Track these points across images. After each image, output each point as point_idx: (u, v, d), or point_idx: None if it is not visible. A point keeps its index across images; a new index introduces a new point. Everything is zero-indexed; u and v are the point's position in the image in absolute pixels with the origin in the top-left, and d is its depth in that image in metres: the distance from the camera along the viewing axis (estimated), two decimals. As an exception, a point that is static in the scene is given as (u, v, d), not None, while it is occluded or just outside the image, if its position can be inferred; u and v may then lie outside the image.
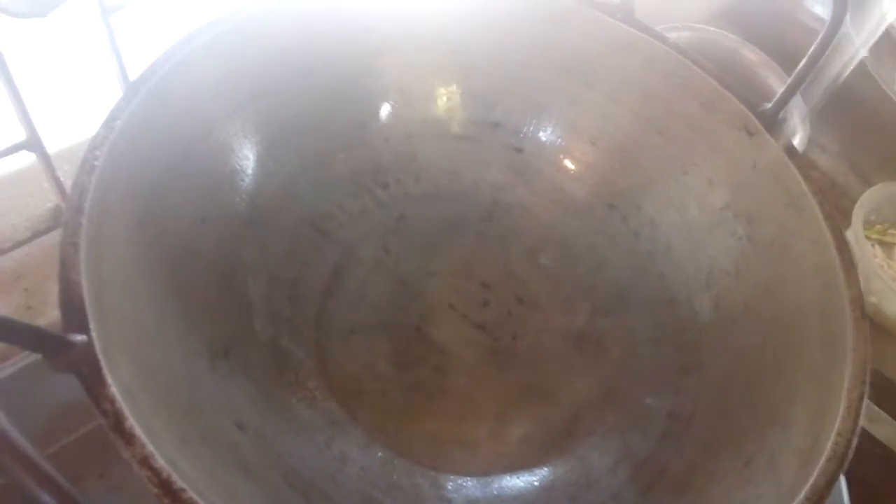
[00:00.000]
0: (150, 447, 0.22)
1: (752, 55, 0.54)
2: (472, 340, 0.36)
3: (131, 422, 0.22)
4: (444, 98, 0.39)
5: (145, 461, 0.22)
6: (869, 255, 0.49)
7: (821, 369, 0.29)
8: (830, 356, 0.29)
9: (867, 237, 0.51)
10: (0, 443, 0.16)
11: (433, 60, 0.39)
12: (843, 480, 0.36)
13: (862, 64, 0.59)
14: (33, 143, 0.37)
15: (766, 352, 0.32)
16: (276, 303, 0.35)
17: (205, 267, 0.32)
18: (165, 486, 0.21)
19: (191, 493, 0.22)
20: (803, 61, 0.33)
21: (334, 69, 0.36)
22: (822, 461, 0.25)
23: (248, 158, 0.34)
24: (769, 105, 0.34)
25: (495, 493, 0.32)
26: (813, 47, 0.33)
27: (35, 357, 0.37)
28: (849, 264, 0.30)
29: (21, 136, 0.36)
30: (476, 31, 0.38)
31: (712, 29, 0.56)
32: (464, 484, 0.32)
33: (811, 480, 0.25)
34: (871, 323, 0.29)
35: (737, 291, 0.34)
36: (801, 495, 0.24)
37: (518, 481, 0.32)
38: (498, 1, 0.38)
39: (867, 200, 0.50)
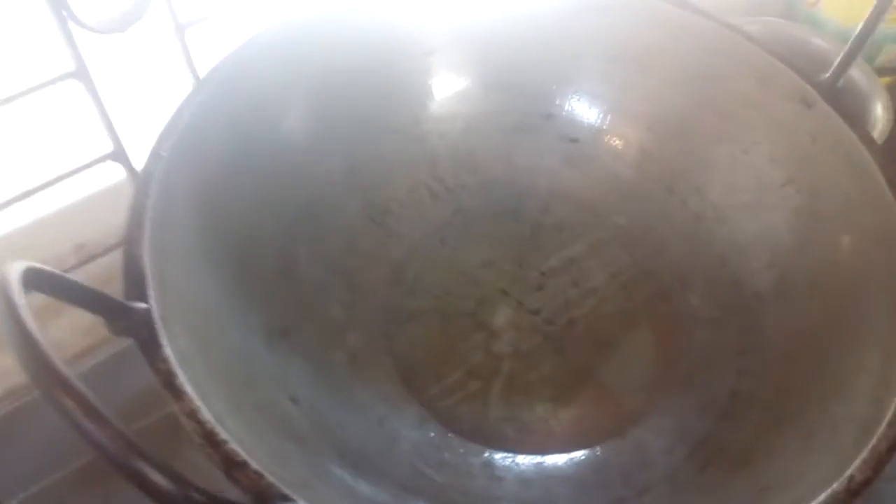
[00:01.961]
0: (199, 402, 0.23)
1: (824, 44, 0.52)
2: (527, 325, 0.36)
3: (182, 379, 0.24)
4: (497, 92, 0.40)
5: (192, 414, 0.23)
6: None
7: (886, 338, 0.27)
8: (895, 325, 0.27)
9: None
10: (46, 373, 0.17)
11: (484, 55, 0.40)
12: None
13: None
14: (118, 154, 0.40)
15: (830, 326, 0.30)
16: (336, 290, 0.36)
17: (265, 254, 0.34)
18: (209, 437, 0.23)
19: (233, 445, 0.23)
20: (860, 25, 0.32)
21: (389, 67, 0.38)
22: (882, 427, 0.24)
23: (307, 153, 0.36)
24: (826, 75, 0.33)
25: (547, 472, 0.31)
26: (871, 9, 0.31)
27: (113, 350, 0.41)
28: (916, 229, 0.28)
29: (108, 148, 0.40)
30: (524, 25, 0.39)
31: (781, 21, 0.55)
32: (515, 463, 0.32)
33: (870, 445, 0.23)
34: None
35: (800, 268, 0.33)
36: (858, 460, 0.23)
37: (571, 461, 0.32)
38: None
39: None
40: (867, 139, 0.32)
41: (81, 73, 0.35)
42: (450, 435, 0.33)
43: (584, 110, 0.40)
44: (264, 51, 0.34)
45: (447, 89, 0.40)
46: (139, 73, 0.42)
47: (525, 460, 0.32)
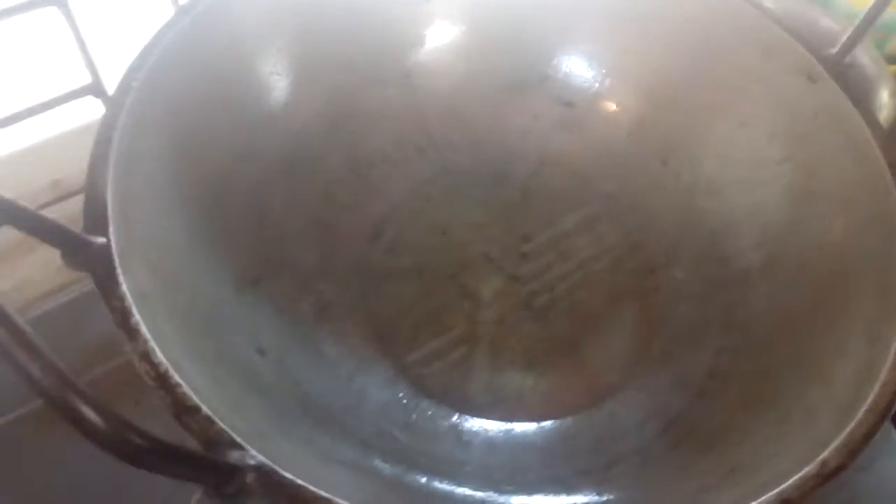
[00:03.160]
0: (153, 343, 0.22)
1: (834, 24, 0.51)
2: (507, 291, 0.35)
3: (137, 318, 0.23)
4: (493, 48, 0.39)
5: (145, 356, 0.22)
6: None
7: (873, 323, 0.26)
8: (884, 309, 0.26)
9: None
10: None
11: (482, 8, 0.38)
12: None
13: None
14: (97, 88, 0.38)
15: (816, 308, 0.29)
16: (313, 242, 0.35)
17: (240, 199, 0.33)
18: (162, 380, 0.22)
19: (186, 389, 0.22)
20: (870, 4, 0.30)
21: (381, 13, 0.36)
22: (861, 412, 0.23)
23: (289, 98, 0.35)
24: (834, 50, 0.32)
25: (515, 439, 0.31)
26: (885, -17, 0.30)
27: (86, 289, 0.39)
28: (913, 213, 0.27)
29: (86, 81, 0.38)
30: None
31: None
32: (484, 428, 0.31)
33: (847, 430, 0.22)
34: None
35: (791, 248, 0.32)
36: (833, 445, 0.22)
37: (540, 430, 0.31)
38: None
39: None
40: (871, 119, 0.30)
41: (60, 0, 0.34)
42: (420, 396, 0.32)
43: (582, 73, 0.39)
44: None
45: (441, 41, 0.38)
46: (121, 4, 0.40)
47: (494, 426, 0.31)
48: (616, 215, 0.37)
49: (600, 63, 0.38)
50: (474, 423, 0.31)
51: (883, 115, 0.48)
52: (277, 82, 0.35)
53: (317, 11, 0.35)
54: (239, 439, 0.21)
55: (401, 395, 0.32)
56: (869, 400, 0.23)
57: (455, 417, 0.31)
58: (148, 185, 0.28)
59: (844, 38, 0.32)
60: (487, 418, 0.31)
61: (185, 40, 0.31)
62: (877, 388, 0.23)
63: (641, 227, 0.37)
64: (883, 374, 0.24)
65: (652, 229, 0.37)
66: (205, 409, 0.22)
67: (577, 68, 0.39)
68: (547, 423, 0.31)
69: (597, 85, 0.39)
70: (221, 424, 0.21)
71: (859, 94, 0.31)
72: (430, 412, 0.31)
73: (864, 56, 0.51)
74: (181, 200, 0.30)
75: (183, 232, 0.29)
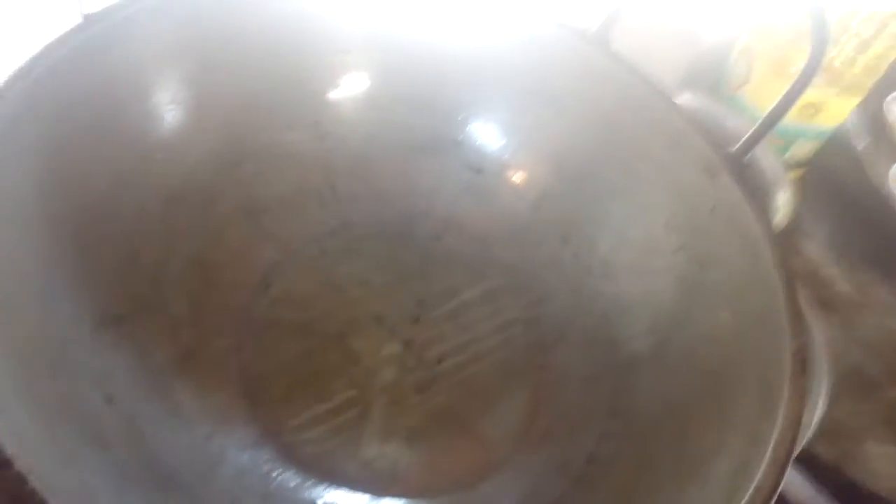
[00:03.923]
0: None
1: (741, 125, 0.53)
2: (394, 357, 0.34)
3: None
4: (409, 106, 0.38)
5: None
6: None
7: (752, 423, 0.26)
8: (763, 410, 0.26)
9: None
10: None
11: (401, 66, 0.37)
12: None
13: (857, 158, 0.58)
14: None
15: (699, 401, 0.29)
16: (193, 285, 0.32)
17: (115, 230, 0.30)
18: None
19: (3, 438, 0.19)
20: (776, 101, 0.31)
21: (294, 57, 0.35)
22: (732, 516, 0.22)
23: (185, 130, 0.33)
24: (735, 147, 0.33)
25: (383, 517, 0.29)
26: (788, 88, 0.31)
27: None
28: (796, 314, 0.27)
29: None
30: (448, 42, 0.37)
31: (704, 98, 0.55)
32: (349, 503, 0.29)
33: (717, 535, 0.22)
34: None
35: (680, 338, 0.32)
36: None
37: (410, 508, 0.29)
38: (475, 15, 0.37)
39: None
40: (764, 219, 0.31)
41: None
42: (286, 464, 0.29)
43: (493, 141, 0.38)
44: (149, 10, 0.30)
45: (355, 92, 0.37)
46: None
47: (360, 500, 0.29)
48: (513, 288, 0.37)
49: (512, 133, 0.38)
50: (341, 498, 0.29)
51: (778, 217, 0.50)
52: (175, 112, 0.33)
53: (228, 46, 0.33)
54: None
55: (264, 459, 0.29)
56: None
57: (321, 490, 0.29)
58: (11, 201, 0.25)
59: (746, 136, 0.33)
60: (354, 491, 0.29)
61: (81, 55, 0.29)
62: (751, 490, 0.23)
63: (537, 302, 0.36)
64: (758, 478, 0.23)
65: (548, 306, 0.36)
66: (21, 462, 0.19)
67: (490, 136, 0.38)
68: (417, 502, 0.29)
69: (507, 154, 0.38)
70: (37, 485, 0.19)
71: (756, 193, 0.32)
72: (293, 483, 0.29)
73: (765, 159, 0.54)
74: (49, 223, 0.27)
75: (42, 258, 0.26)
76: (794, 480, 0.42)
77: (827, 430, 0.49)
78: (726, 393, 0.28)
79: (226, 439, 0.29)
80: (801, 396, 0.26)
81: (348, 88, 0.37)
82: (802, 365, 0.26)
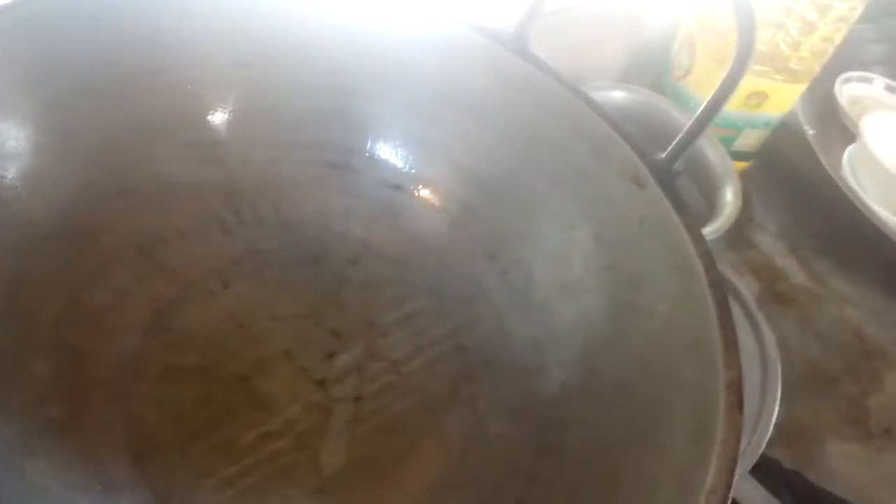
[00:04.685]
0: None
1: (684, 120, 0.51)
2: (306, 397, 0.31)
3: None
4: (317, 122, 0.35)
5: None
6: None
7: (684, 466, 0.23)
8: (696, 451, 0.23)
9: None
10: None
11: (306, 78, 0.34)
12: None
13: (808, 145, 0.56)
14: None
15: (630, 439, 0.26)
16: (71, 331, 0.29)
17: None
18: None
19: None
20: (704, 103, 0.29)
21: (182, 73, 0.32)
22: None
23: (55, 163, 0.30)
24: (663, 154, 0.30)
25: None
26: (716, 89, 0.28)
27: None
28: (730, 342, 0.25)
29: None
30: (358, 53, 0.34)
31: (649, 92, 0.53)
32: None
33: None
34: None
35: (612, 364, 0.29)
36: None
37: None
38: (386, 25, 0.34)
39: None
40: (695, 232, 0.28)
41: None
42: (178, 530, 0.26)
43: (411, 155, 0.36)
44: (9, 27, 0.27)
45: (257, 109, 0.34)
46: None
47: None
48: (438, 314, 0.34)
49: (431, 146, 0.35)
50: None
51: (726, 213, 0.48)
52: (41, 141, 0.29)
53: (102, 66, 0.30)
54: None
55: (154, 527, 0.26)
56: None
57: (218, 558, 0.26)
58: None
59: (674, 142, 0.30)
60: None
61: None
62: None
63: (464, 328, 0.34)
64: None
65: (474, 332, 0.33)
66: None
67: (406, 150, 0.36)
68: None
69: (426, 169, 0.36)
70: None
71: (683, 205, 0.30)
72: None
73: (711, 152, 0.51)
74: None
75: None
76: (751, 491, 0.40)
77: (785, 431, 0.47)
78: (658, 428, 0.26)
79: (108, 509, 0.26)
80: (736, 434, 0.23)
81: (247, 105, 0.34)
82: (738, 398, 0.24)
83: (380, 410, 0.31)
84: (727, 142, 0.56)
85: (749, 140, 0.57)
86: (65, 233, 0.30)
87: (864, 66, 0.68)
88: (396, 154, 0.36)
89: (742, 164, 0.59)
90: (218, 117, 0.34)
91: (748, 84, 0.52)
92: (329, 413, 0.31)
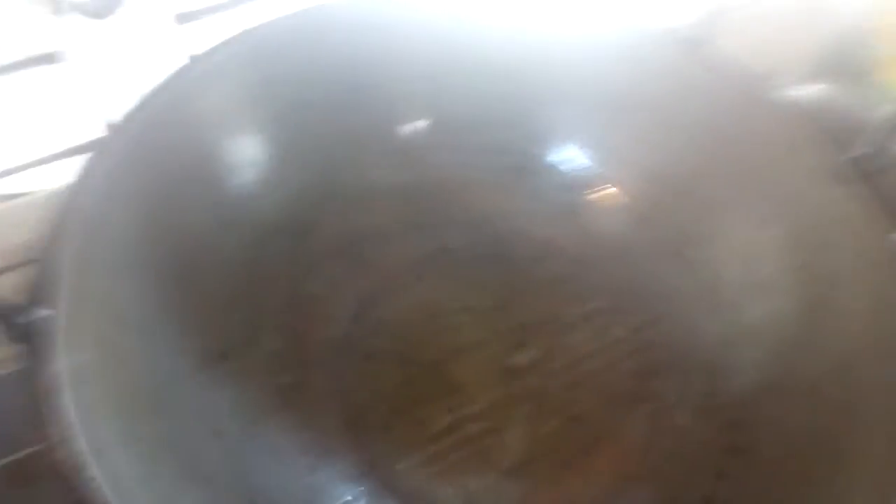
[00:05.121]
0: (77, 429, 0.21)
1: (884, 113, 0.48)
2: (496, 384, 0.33)
3: (66, 399, 0.21)
4: (500, 129, 0.37)
5: (64, 443, 0.21)
6: None
7: (881, 468, 0.23)
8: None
9: None
10: None
11: (490, 87, 0.37)
12: None
13: None
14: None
15: (824, 441, 0.26)
16: (293, 317, 0.33)
17: (220, 269, 0.32)
18: (75, 473, 0.20)
19: (100, 487, 0.20)
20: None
21: (376, 90, 0.35)
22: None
23: (280, 168, 0.34)
24: (862, 150, 0.29)
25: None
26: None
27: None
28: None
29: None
30: (538, 60, 0.36)
31: (843, 85, 0.50)
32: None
33: None
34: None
35: (807, 366, 0.29)
36: None
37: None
38: (564, 31, 0.35)
39: None
40: (898, 230, 0.27)
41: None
42: (384, 496, 0.29)
43: (591, 158, 0.37)
44: (235, 58, 0.32)
45: (446, 119, 0.37)
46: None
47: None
48: (624, 311, 0.35)
49: (611, 149, 0.36)
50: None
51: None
52: (269, 149, 0.34)
53: (313, 86, 0.34)
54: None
55: (366, 492, 0.29)
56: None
57: (420, 522, 0.29)
58: (114, 254, 0.27)
59: (881, 135, 0.29)
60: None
61: (181, 100, 0.30)
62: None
63: (648, 324, 0.34)
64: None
65: (658, 328, 0.34)
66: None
67: (587, 153, 0.37)
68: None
69: (606, 171, 0.37)
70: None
71: (886, 196, 0.29)
72: (394, 514, 0.29)
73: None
74: (150, 270, 0.28)
75: (146, 303, 0.28)
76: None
77: None
78: (853, 433, 0.25)
79: (329, 472, 0.29)
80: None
81: (436, 115, 0.37)
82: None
83: (567, 401, 0.33)
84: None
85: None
86: (287, 230, 0.34)
87: None
88: (577, 157, 0.37)
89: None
90: (409, 127, 0.37)
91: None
92: (519, 400, 0.33)
